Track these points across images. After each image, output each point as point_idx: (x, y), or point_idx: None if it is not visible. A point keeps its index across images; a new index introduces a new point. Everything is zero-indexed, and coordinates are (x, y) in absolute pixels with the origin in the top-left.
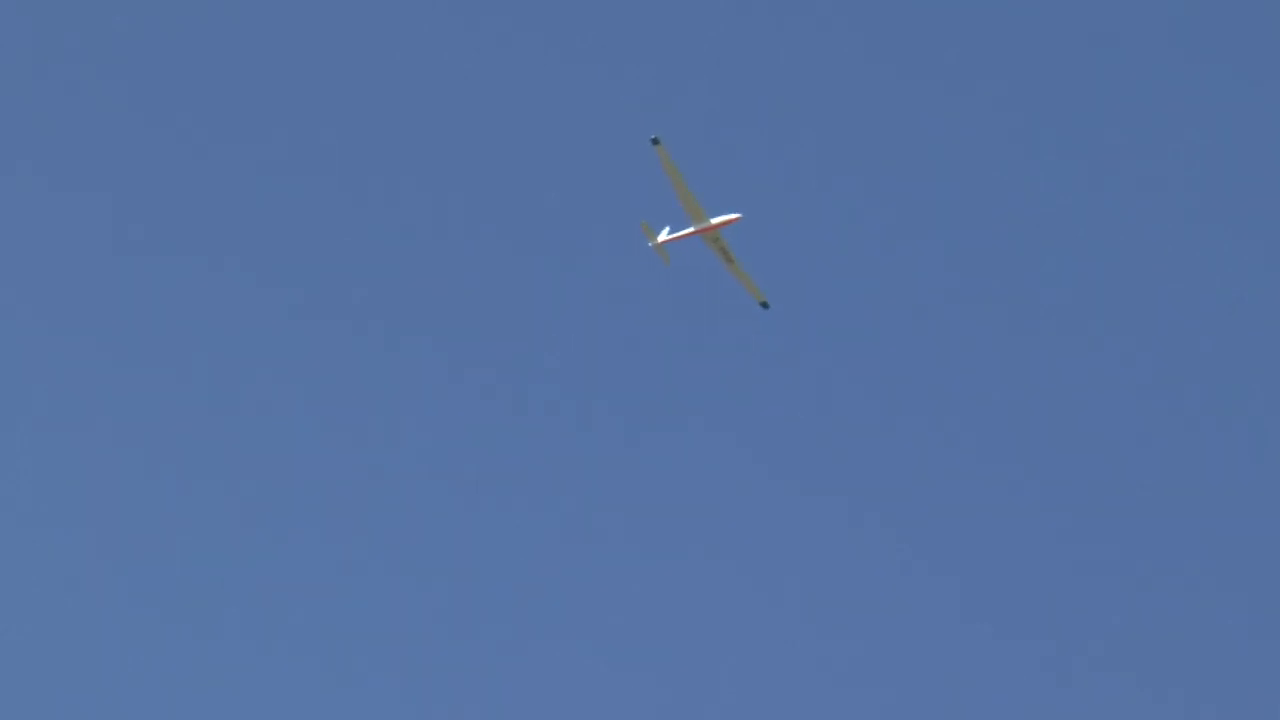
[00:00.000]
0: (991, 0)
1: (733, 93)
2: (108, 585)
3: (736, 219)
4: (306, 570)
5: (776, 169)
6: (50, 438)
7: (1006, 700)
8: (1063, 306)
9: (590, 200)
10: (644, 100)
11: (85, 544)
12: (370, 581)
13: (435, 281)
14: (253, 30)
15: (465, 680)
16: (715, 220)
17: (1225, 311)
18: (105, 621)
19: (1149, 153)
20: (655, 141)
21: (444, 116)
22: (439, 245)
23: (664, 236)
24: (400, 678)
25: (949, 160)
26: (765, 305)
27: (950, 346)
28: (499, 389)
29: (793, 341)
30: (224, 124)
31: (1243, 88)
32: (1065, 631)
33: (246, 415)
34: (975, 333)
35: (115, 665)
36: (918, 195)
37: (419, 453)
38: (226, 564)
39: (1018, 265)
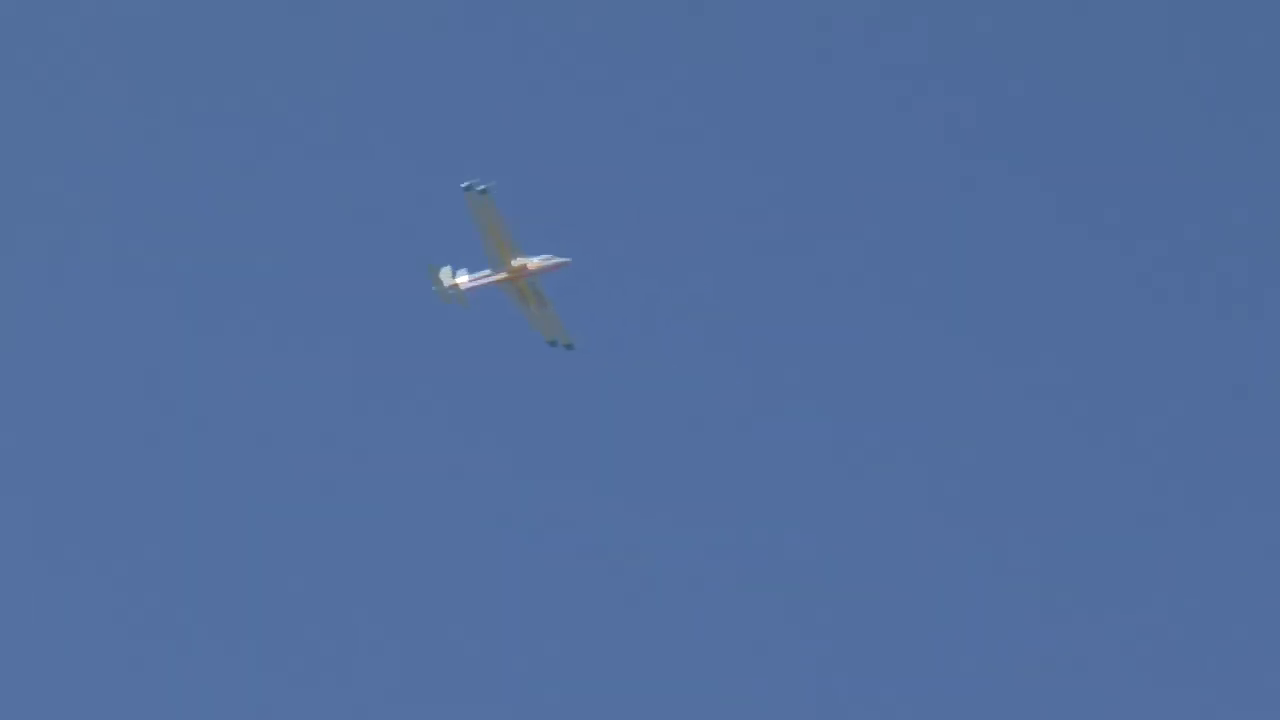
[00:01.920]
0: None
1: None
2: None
3: (564, 264)
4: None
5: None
6: None
7: None
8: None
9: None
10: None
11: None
12: None
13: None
14: None
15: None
16: (534, 264)
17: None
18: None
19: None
20: (484, 191)
21: None
22: None
23: (463, 279)
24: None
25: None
26: (570, 346)
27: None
28: None
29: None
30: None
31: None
32: None
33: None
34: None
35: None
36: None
37: None
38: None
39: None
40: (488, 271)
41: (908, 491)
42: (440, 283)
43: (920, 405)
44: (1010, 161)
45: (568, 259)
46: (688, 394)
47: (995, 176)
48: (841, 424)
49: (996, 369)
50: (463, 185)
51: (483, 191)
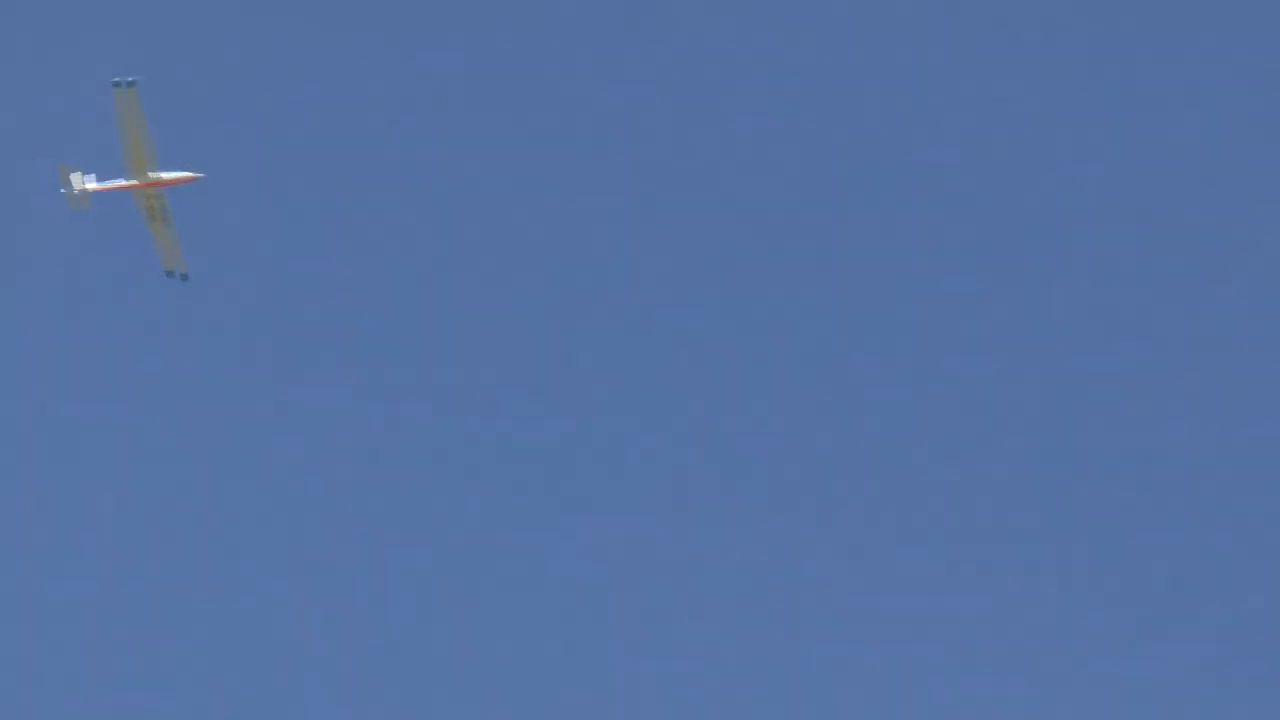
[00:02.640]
0: None
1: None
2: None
3: (196, 178)
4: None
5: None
6: None
7: None
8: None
9: None
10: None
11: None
12: None
13: None
14: None
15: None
16: (167, 176)
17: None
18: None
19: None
20: (131, 84)
21: None
22: None
23: (91, 184)
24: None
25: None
26: (185, 277)
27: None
28: None
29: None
30: None
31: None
32: None
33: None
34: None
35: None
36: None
37: None
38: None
39: None
40: (121, 181)
41: None
42: (69, 184)
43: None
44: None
45: (200, 174)
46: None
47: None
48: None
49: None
50: (112, 80)
51: (131, 84)
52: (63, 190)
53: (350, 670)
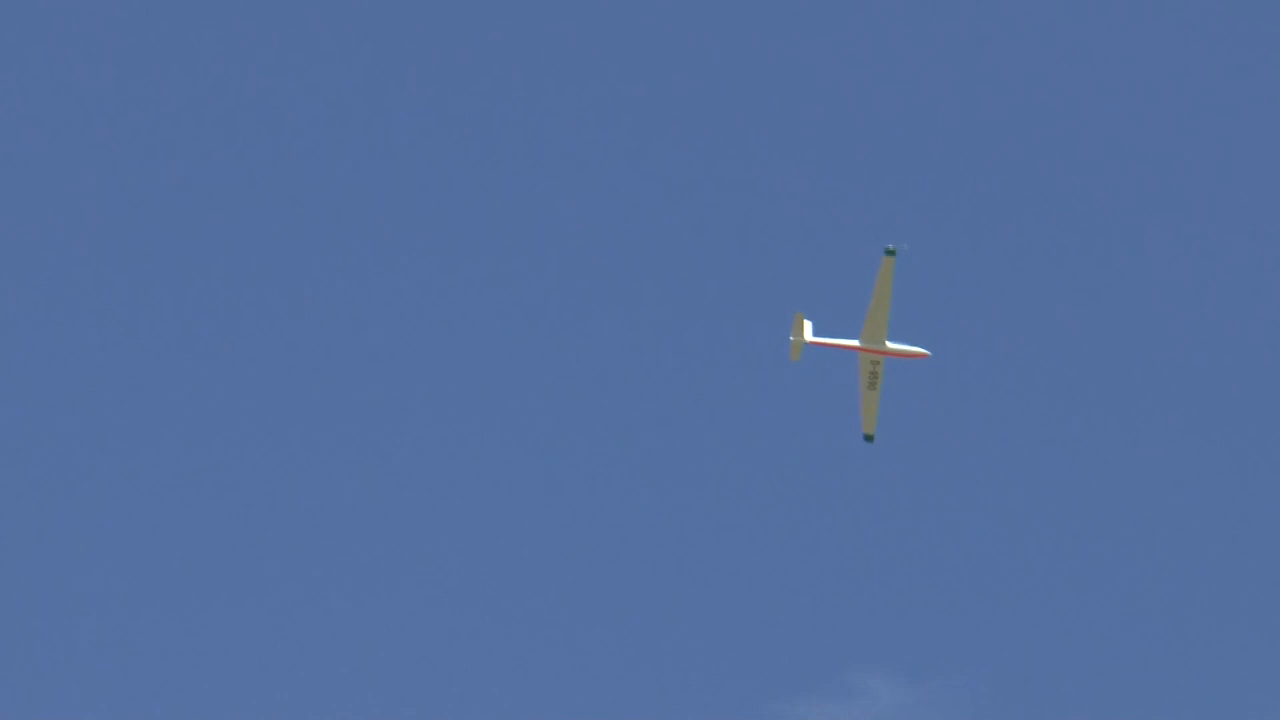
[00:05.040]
0: None
1: None
2: None
3: (924, 355)
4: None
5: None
6: None
7: None
8: None
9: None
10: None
11: None
12: None
13: None
14: None
15: None
16: (898, 348)
17: None
18: None
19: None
20: (891, 252)
21: None
22: None
23: (809, 335)
24: None
25: None
26: (870, 439)
27: None
28: None
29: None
30: None
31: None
32: None
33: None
34: None
35: None
36: None
37: None
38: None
39: None
40: (850, 342)
41: None
42: (799, 332)
43: None
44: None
45: (927, 351)
46: None
47: None
48: None
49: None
50: (887, 246)
51: (893, 251)
52: (792, 338)
53: None
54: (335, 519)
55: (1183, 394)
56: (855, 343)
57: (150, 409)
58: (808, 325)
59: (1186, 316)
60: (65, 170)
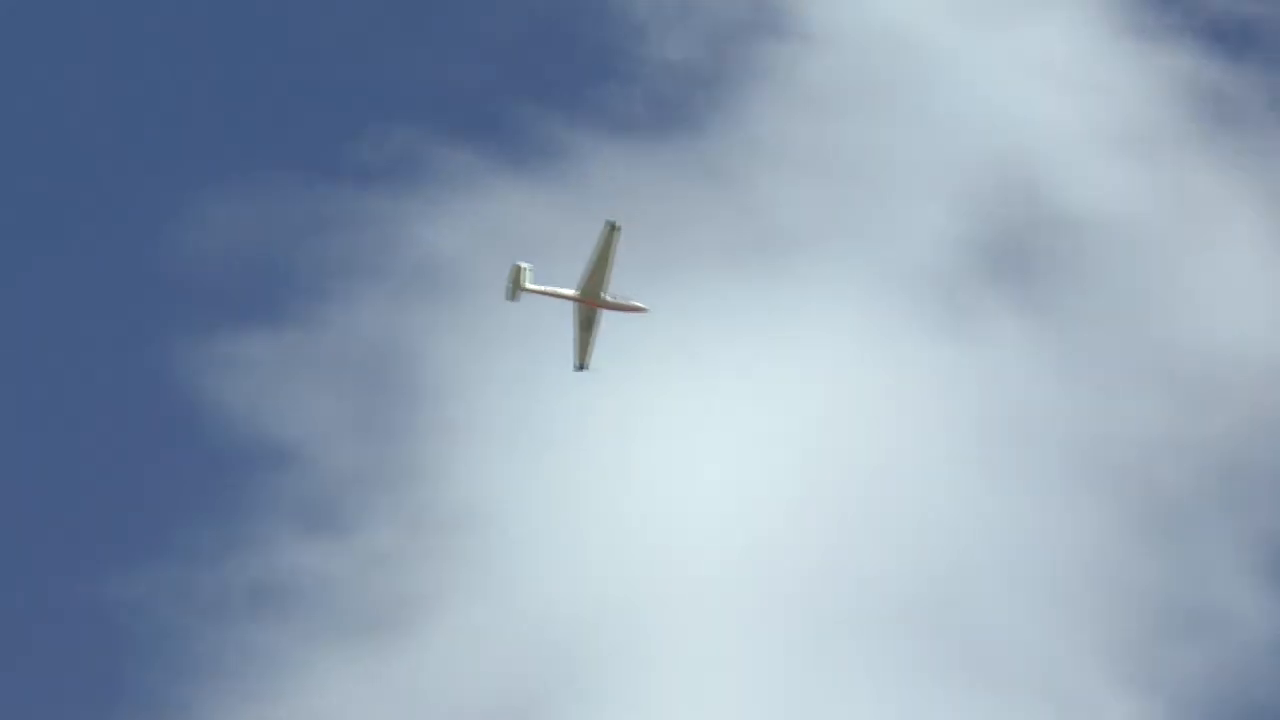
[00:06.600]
0: None
1: None
2: None
3: (643, 310)
4: None
5: None
6: None
7: None
8: None
9: None
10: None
11: None
12: None
13: None
14: None
15: None
16: (616, 301)
17: None
18: None
19: None
20: (615, 227)
21: None
22: None
23: (533, 285)
24: None
25: None
26: (583, 367)
27: None
28: None
29: None
30: None
31: None
32: None
33: None
34: None
35: None
36: None
37: None
38: None
39: None
40: (566, 290)
41: None
42: (518, 280)
43: None
44: None
45: (646, 307)
46: None
47: None
48: None
49: None
50: (610, 220)
51: (617, 228)
52: (507, 282)
53: None
54: None
55: None
56: (571, 292)
57: None
58: (527, 271)
59: None
60: None
